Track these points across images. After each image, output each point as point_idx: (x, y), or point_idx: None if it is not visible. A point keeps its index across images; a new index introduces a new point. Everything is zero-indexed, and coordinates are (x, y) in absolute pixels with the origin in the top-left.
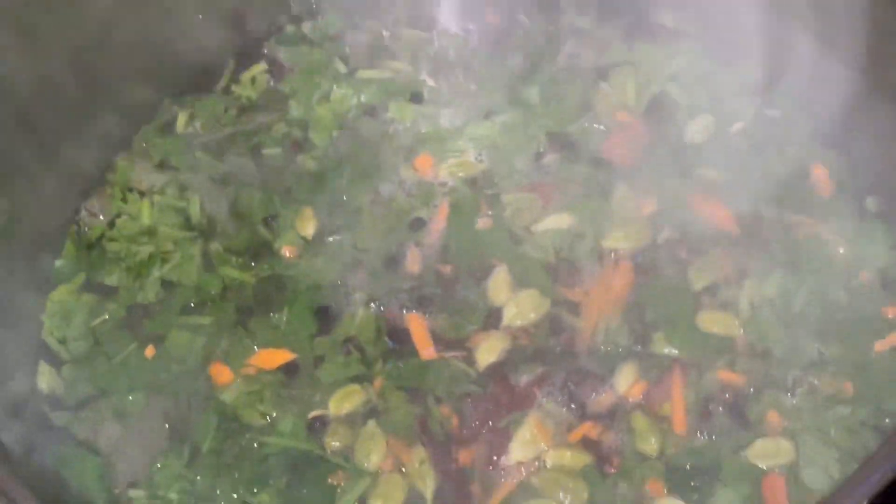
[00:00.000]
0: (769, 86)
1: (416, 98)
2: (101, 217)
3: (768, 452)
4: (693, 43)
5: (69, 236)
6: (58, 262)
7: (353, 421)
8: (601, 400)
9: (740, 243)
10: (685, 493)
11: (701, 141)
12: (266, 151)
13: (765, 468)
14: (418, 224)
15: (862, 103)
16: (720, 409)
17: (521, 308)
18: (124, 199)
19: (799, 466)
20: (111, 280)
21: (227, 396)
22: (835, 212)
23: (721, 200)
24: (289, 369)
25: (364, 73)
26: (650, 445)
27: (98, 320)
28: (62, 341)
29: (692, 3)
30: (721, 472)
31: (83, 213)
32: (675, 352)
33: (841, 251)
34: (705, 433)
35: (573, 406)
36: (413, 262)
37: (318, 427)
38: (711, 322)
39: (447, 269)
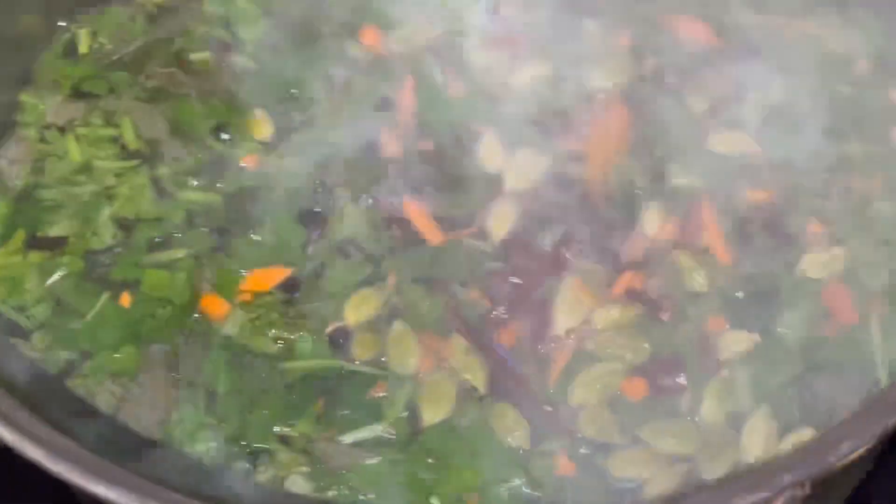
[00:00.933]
0: None
1: None
2: (23, 164)
3: (821, 263)
4: None
5: None
6: None
7: (377, 326)
8: (634, 246)
9: (730, 57)
10: (748, 322)
11: None
12: (193, 57)
13: (822, 279)
14: (386, 104)
15: None
16: (759, 229)
17: (520, 170)
18: (44, 140)
19: (855, 269)
20: (56, 230)
21: (230, 328)
22: (814, 4)
23: (695, 16)
24: (289, 286)
25: None
26: (699, 282)
27: (54, 278)
28: (20, 309)
29: None
30: (779, 294)
31: (1, 162)
32: (696, 181)
33: (833, 45)
34: (751, 258)
35: (607, 259)
36: (391, 145)
37: (340, 341)
38: (724, 143)
39: (430, 146)
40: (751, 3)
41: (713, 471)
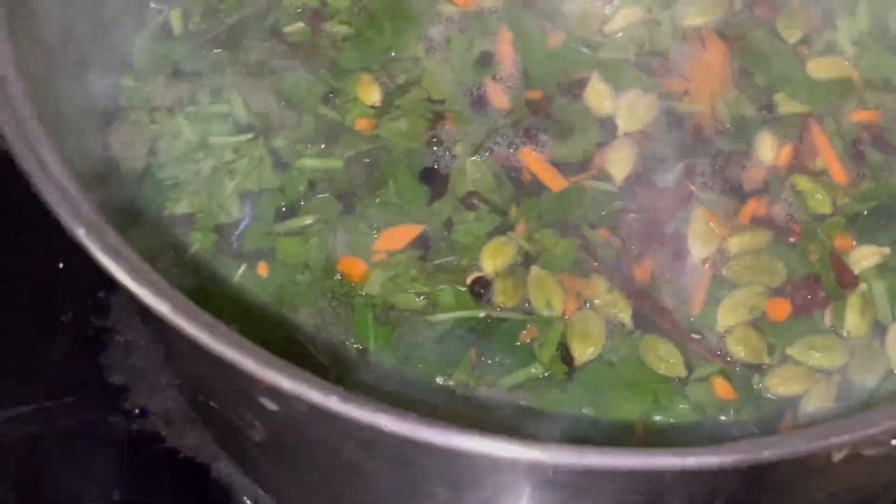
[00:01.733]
0: None
1: None
2: (138, 146)
3: None
4: None
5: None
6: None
7: (515, 273)
8: (753, 174)
9: None
10: (875, 236)
11: None
12: (288, 29)
13: None
14: (486, 58)
15: None
16: (870, 147)
17: (631, 112)
18: (154, 121)
19: None
20: (181, 208)
21: (372, 288)
22: None
23: None
24: (421, 242)
25: None
26: (822, 203)
27: (190, 253)
28: (160, 291)
29: None
30: None
31: (115, 147)
32: (803, 107)
33: None
34: (867, 175)
35: (729, 189)
36: (498, 97)
37: (481, 291)
38: (823, 69)
39: (537, 95)
40: None
41: (865, 381)
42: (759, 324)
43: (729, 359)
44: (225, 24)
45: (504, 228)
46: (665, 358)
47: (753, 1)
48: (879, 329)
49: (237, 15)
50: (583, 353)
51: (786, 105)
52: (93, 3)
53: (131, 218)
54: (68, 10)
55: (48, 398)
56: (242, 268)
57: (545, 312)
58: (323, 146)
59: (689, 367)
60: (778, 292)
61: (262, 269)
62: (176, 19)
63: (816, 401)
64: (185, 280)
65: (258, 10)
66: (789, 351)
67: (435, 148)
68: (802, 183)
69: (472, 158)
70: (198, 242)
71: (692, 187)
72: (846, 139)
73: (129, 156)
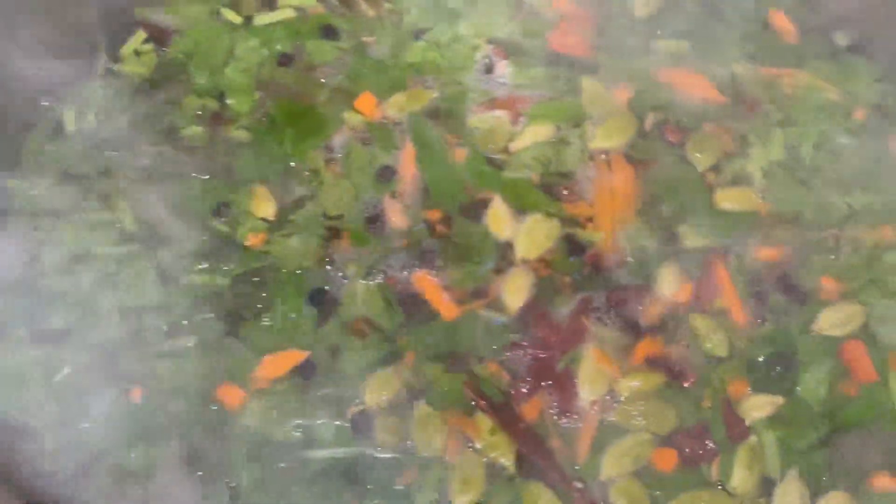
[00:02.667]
0: None
1: (330, 33)
2: (18, 255)
3: (838, 320)
4: None
5: None
6: None
7: (399, 407)
8: (651, 311)
9: (729, 111)
10: (770, 385)
11: (651, 12)
12: (185, 132)
13: (839, 337)
14: (387, 173)
15: None
16: (773, 288)
17: (531, 237)
18: (37, 228)
19: (871, 326)
20: (58, 323)
21: (248, 419)
22: (808, 55)
23: (693, 69)
24: (304, 370)
25: (262, 19)
26: (719, 345)
27: (60, 375)
28: (27, 410)
29: None
30: (798, 354)
31: None
32: (706, 241)
33: (830, 95)
34: (767, 318)
35: (625, 326)
36: (396, 216)
37: (362, 425)
38: (731, 200)
39: (436, 215)
40: (746, 55)
41: None
42: (644, 474)
43: None
44: (120, 125)
45: (392, 358)
46: None
47: (665, 123)
48: (768, 485)
49: (133, 115)
50: (461, 500)
51: (690, 238)
52: None
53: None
54: None
55: None
56: (112, 392)
57: (426, 453)
58: (210, 262)
59: None
60: (666, 441)
61: (136, 395)
62: (69, 117)
63: None
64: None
65: (156, 111)
66: None
67: (327, 268)
68: (700, 323)
69: (364, 281)
70: (69, 364)
71: (587, 322)
72: (749, 278)
73: (6, 263)
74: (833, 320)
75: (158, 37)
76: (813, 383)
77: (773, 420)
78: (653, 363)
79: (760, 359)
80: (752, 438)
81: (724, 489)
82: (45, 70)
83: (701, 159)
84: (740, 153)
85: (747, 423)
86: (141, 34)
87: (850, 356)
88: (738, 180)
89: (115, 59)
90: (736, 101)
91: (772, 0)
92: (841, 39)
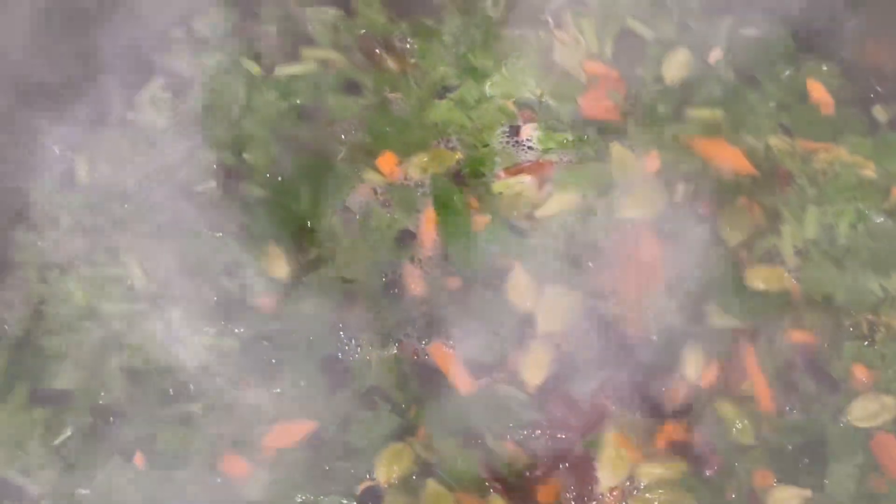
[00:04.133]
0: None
1: (352, 88)
2: (22, 309)
3: (870, 412)
4: None
5: None
6: None
7: (410, 484)
8: (675, 394)
9: (762, 184)
10: (796, 476)
11: (683, 77)
12: (198, 188)
13: (871, 428)
14: (406, 237)
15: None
16: (802, 374)
17: (553, 310)
18: (44, 280)
19: None
20: (61, 383)
21: (253, 492)
22: (845, 129)
23: (726, 140)
24: (313, 442)
25: (283, 70)
26: (745, 433)
27: (61, 437)
28: (25, 473)
29: None
30: (827, 445)
31: None
32: (735, 322)
33: (867, 172)
34: (796, 405)
35: (648, 408)
36: (414, 282)
37: (370, 502)
38: (762, 279)
39: (455, 283)
40: (782, 127)
41: None
42: None
43: None
44: (133, 176)
45: (404, 432)
46: None
47: (695, 196)
48: None
49: (147, 167)
50: None
51: (718, 317)
52: None
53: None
54: None
55: None
56: (114, 459)
57: None
58: (220, 323)
59: None
60: None
61: (139, 461)
62: (81, 167)
63: None
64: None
65: (171, 164)
66: None
67: (341, 335)
68: (726, 409)
69: (379, 351)
70: (71, 426)
71: (608, 403)
72: (778, 363)
73: (11, 317)
74: (865, 411)
75: (177, 85)
76: (842, 476)
77: None
78: (676, 449)
79: (788, 448)
80: None
81: None
82: (57, 115)
83: (732, 235)
84: (772, 229)
85: None
86: (158, 82)
87: (881, 450)
88: (770, 258)
89: (131, 107)
90: (769, 175)
91: (810, 70)
92: (880, 114)
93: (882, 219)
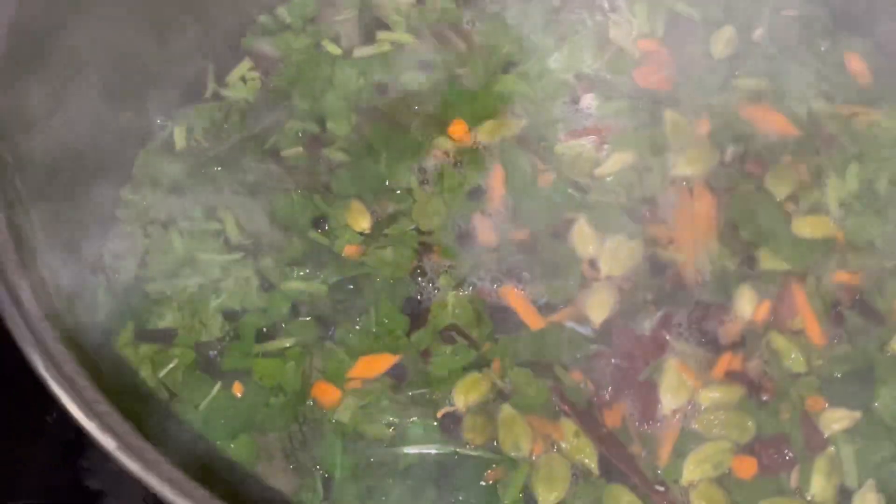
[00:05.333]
0: None
1: (425, 66)
2: (129, 259)
3: None
4: None
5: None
6: (97, 317)
7: (486, 409)
8: (730, 329)
9: (806, 145)
10: (846, 400)
11: (730, 53)
12: (286, 153)
13: None
14: (477, 193)
15: None
16: (850, 310)
17: (615, 256)
18: (147, 235)
19: None
20: (164, 323)
21: (343, 415)
22: (881, 96)
23: (771, 106)
24: (396, 372)
25: (361, 51)
26: (797, 362)
27: (166, 370)
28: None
29: None
30: (874, 371)
31: (105, 257)
32: (784, 265)
33: None
34: (844, 338)
35: (705, 341)
36: (485, 233)
37: (450, 425)
38: (808, 228)
39: (524, 234)
40: (822, 94)
41: None
42: (724, 480)
43: None
44: (226, 144)
45: (480, 364)
46: None
47: (744, 154)
48: (846, 494)
49: (239, 135)
50: (546, 498)
51: (768, 261)
52: (101, 119)
53: (111, 332)
54: (76, 126)
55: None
56: (217, 386)
57: (512, 453)
58: (309, 270)
59: None
60: (746, 449)
61: (237, 389)
62: (179, 135)
63: None
64: (153, 401)
65: (260, 132)
66: None
67: (419, 279)
68: (779, 341)
69: (455, 292)
70: (177, 359)
71: (668, 337)
72: (826, 300)
73: (119, 266)
74: None
75: (264, 65)
76: (889, 399)
77: (851, 433)
78: (733, 377)
79: (838, 375)
80: (830, 449)
81: (802, 497)
82: (160, 92)
83: (779, 189)
84: (817, 185)
85: (825, 435)
86: (247, 62)
87: None
88: (815, 209)
89: (222, 84)
90: (812, 136)
91: (847, 43)
92: None
93: None
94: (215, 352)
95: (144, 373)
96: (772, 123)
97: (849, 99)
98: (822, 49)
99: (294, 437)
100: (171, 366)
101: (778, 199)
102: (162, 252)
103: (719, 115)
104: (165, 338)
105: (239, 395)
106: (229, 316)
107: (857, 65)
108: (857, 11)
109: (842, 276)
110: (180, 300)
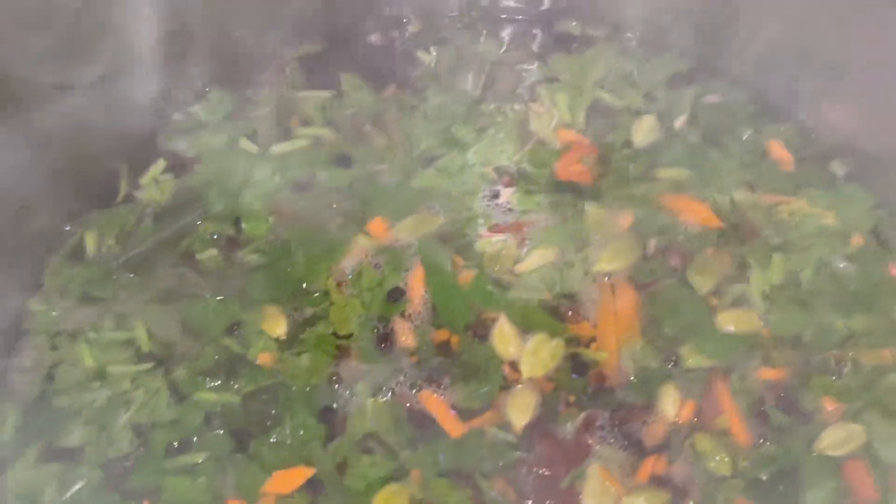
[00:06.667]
0: (700, 71)
1: (343, 162)
2: (36, 373)
3: (839, 440)
4: (606, 46)
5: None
6: (2, 435)
7: None
8: (654, 430)
9: (729, 235)
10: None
11: (651, 142)
12: (200, 256)
13: (841, 456)
14: (397, 294)
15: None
16: (774, 408)
17: (537, 357)
18: (55, 347)
19: (873, 446)
20: (72, 440)
21: None
22: (805, 183)
23: (694, 196)
24: (312, 486)
25: (279, 148)
26: (722, 465)
27: (72, 490)
28: None
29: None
30: (801, 473)
31: (12, 374)
32: (708, 361)
33: (828, 221)
34: (770, 437)
35: (628, 444)
36: (405, 335)
37: None
38: (732, 322)
39: (443, 335)
40: (745, 183)
41: None
42: None
43: None
44: (139, 248)
45: (399, 474)
46: None
47: (666, 248)
48: None
49: (152, 239)
50: None
51: (692, 358)
52: (10, 223)
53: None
54: None
55: None
56: None
57: None
58: (222, 380)
59: None
60: None
61: None
62: (90, 241)
63: None
64: None
65: (173, 235)
66: None
67: (336, 386)
68: (704, 443)
69: (373, 399)
70: (82, 479)
71: (591, 441)
72: (751, 398)
73: (24, 382)
74: (834, 440)
75: (178, 165)
76: (817, 502)
77: None
78: (657, 481)
79: (764, 477)
80: None
81: None
82: (68, 196)
83: (702, 282)
84: (741, 277)
85: None
86: (162, 163)
87: (852, 476)
88: (739, 303)
89: (136, 186)
90: (736, 227)
91: (770, 132)
92: (837, 168)
93: (843, 264)
94: (124, 469)
95: (49, 494)
96: (695, 214)
97: (772, 187)
98: (745, 137)
99: None
100: (77, 486)
101: (701, 293)
102: (70, 364)
103: (641, 206)
104: (72, 456)
105: None
106: (139, 430)
107: (779, 152)
108: (778, 97)
109: (766, 373)
110: (88, 415)
